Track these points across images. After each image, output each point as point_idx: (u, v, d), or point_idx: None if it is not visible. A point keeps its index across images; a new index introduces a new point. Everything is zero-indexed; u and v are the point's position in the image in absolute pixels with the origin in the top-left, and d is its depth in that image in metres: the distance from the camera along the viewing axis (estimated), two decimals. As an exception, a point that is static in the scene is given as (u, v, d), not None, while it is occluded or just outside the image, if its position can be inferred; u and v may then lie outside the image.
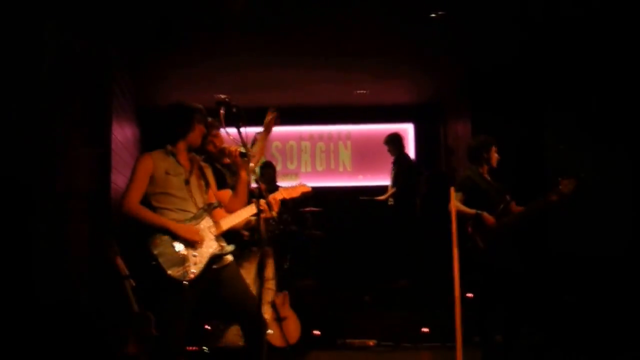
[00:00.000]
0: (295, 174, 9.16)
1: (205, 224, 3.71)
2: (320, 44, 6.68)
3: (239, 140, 3.80)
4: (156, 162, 3.66)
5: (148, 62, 7.04)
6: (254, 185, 4.32)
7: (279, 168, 7.72)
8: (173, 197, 3.66)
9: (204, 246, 3.62)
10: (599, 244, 6.25)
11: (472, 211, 5.05)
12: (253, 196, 4.15)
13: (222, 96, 3.89)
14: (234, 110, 3.77)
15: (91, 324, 4.94)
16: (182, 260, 3.51)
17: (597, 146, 6.48)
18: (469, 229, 5.13)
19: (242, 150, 3.83)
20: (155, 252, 3.48)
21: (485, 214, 4.99)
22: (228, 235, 3.83)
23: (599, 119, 6.54)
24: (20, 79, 4.93)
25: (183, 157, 3.78)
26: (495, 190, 5.19)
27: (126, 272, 4.87)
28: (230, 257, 3.74)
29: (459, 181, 5.32)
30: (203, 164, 3.95)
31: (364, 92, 8.55)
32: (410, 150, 9.10)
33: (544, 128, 7.01)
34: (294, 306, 5.76)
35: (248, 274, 4.45)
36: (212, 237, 3.70)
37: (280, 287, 5.72)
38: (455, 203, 5.06)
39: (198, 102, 3.92)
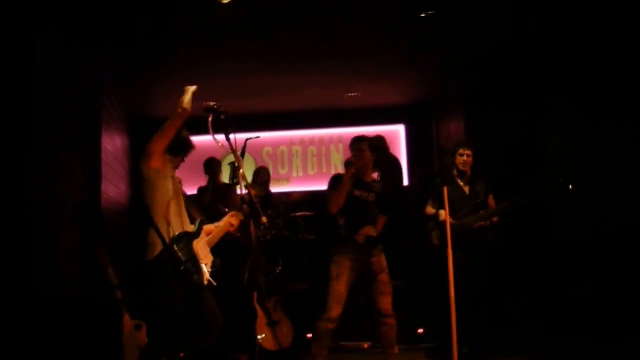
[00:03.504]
0: (287, 179, 9.17)
1: None
2: (310, 48, 6.69)
3: (227, 146, 3.82)
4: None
5: (137, 71, 7.05)
6: (244, 191, 4.35)
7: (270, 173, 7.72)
8: None
9: None
10: (606, 229, 6.25)
11: (433, 210, 5.36)
12: (243, 202, 4.18)
13: (211, 103, 3.90)
14: (222, 116, 3.78)
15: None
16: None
17: (600, 133, 6.45)
18: (429, 227, 5.46)
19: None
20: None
21: (441, 211, 5.16)
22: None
23: (600, 105, 6.52)
24: (9, 90, 4.93)
25: None
26: (460, 197, 5.38)
27: (117, 281, 4.88)
28: None
29: (430, 187, 5.66)
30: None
31: (355, 94, 8.57)
32: (402, 151, 9.13)
33: (541, 123, 7.02)
34: (287, 310, 5.77)
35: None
36: None
37: (272, 291, 5.74)
38: (427, 207, 5.45)
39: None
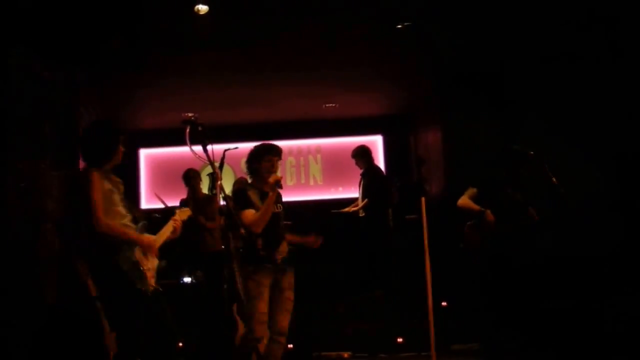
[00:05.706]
0: (266, 190, 9.17)
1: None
2: (288, 60, 6.73)
3: (205, 158, 3.84)
4: (101, 180, 3.62)
5: (115, 83, 7.04)
6: (222, 202, 4.35)
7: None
8: (119, 213, 3.66)
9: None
10: (580, 246, 6.32)
11: (477, 207, 5.00)
12: (221, 213, 4.20)
13: (190, 114, 3.92)
14: (200, 128, 3.79)
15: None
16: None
17: (573, 150, 6.53)
18: (466, 229, 5.10)
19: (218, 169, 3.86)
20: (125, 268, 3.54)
21: (488, 212, 4.93)
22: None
23: (574, 123, 6.61)
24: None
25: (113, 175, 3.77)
26: (511, 200, 5.11)
27: (95, 292, 4.85)
28: None
29: (482, 178, 5.28)
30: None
31: (333, 105, 8.62)
32: (380, 162, 9.16)
33: (518, 135, 7.09)
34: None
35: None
36: None
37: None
38: (464, 198, 5.06)
39: (165, 120, 3.97)
